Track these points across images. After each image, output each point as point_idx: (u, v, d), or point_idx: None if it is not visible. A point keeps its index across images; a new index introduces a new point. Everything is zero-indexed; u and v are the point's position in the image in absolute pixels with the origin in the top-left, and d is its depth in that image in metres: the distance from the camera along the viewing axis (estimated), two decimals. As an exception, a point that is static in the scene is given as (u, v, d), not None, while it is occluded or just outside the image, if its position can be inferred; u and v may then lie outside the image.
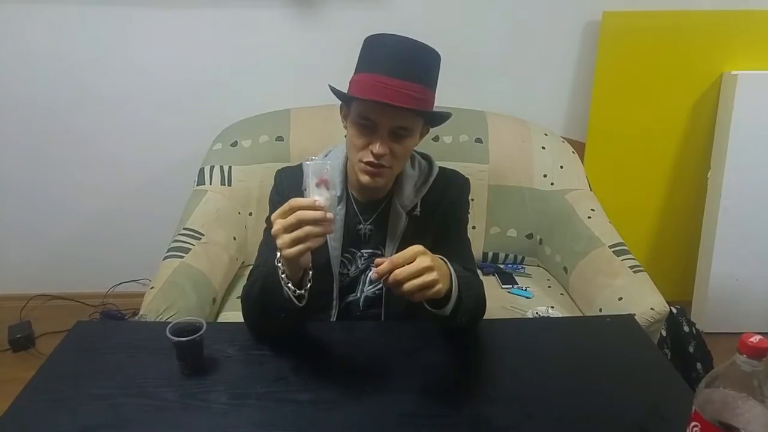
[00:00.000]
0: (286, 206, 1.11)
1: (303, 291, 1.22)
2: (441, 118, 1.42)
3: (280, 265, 1.19)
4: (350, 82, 1.38)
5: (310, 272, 1.23)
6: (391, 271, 1.11)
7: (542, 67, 2.68)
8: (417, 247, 1.14)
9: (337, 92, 1.41)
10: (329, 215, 1.11)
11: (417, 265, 1.11)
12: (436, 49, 1.37)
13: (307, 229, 1.09)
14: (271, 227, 1.47)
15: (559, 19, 2.59)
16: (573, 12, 2.58)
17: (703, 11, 2.53)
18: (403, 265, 1.11)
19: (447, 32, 2.52)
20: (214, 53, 2.58)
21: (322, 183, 1.14)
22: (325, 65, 2.43)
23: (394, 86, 1.29)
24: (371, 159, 1.35)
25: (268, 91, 2.59)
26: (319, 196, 1.13)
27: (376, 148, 1.33)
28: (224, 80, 2.62)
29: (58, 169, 2.74)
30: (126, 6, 2.47)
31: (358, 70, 1.37)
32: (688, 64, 2.61)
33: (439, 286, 1.14)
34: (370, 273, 1.45)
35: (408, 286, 1.11)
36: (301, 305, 1.23)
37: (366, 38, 1.38)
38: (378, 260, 1.14)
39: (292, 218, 1.10)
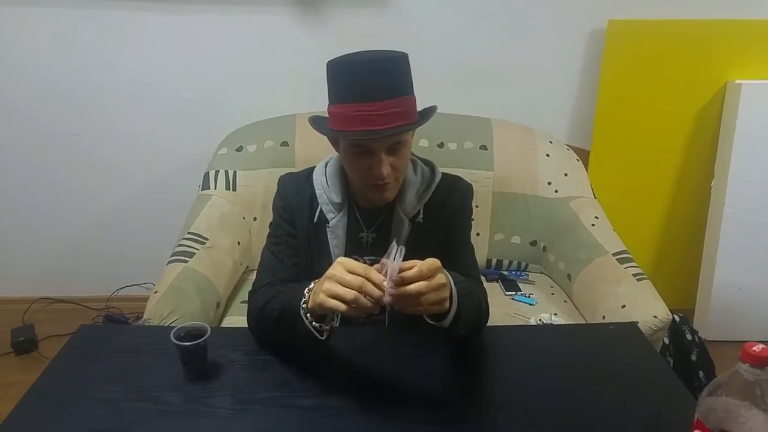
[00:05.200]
0: (361, 268, 1.09)
1: (327, 326, 1.20)
2: (429, 115, 1.40)
3: (306, 296, 1.16)
4: (329, 114, 1.35)
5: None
6: (411, 281, 1.08)
7: (547, 75, 2.68)
8: (436, 262, 1.12)
9: (321, 130, 1.38)
10: (386, 299, 1.08)
11: (437, 282, 1.10)
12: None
13: (359, 298, 1.07)
14: (275, 234, 1.49)
15: (565, 27, 2.60)
16: (578, 20, 2.58)
17: (708, 20, 2.53)
18: (426, 278, 1.09)
19: (452, 39, 2.55)
20: (219, 58, 2.59)
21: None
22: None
23: (378, 110, 1.26)
24: (377, 182, 1.34)
25: (274, 96, 2.60)
26: (389, 281, 1.07)
27: (379, 172, 1.31)
28: (230, 85, 2.62)
29: (63, 173, 2.75)
30: (130, 11, 2.48)
31: (333, 101, 1.33)
32: (693, 72, 2.61)
33: (446, 304, 1.14)
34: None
35: (425, 299, 1.09)
36: (323, 338, 1.21)
37: (327, 64, 1.33)
38: (406, 264, 1.09)
39: (357, 280, 1.07)
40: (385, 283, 1.07)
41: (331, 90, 1.33)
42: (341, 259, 1.12)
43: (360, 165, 1.34)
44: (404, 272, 1.08)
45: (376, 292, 1.07)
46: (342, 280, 1.09)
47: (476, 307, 1.33)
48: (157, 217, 2.78)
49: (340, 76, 1.31)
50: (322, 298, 1.10)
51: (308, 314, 1.18)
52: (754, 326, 2.75)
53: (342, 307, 1.08)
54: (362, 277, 1.08)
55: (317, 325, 1.19)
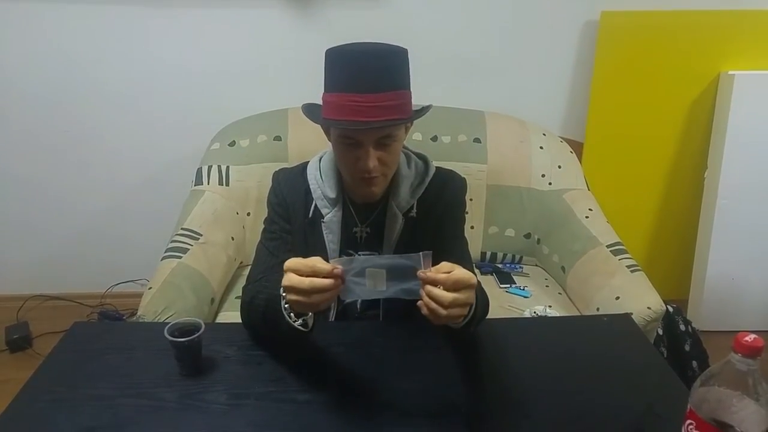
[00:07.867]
0: (306, 265, 1.09)
1: (306, 319, 1.20)
2: (422, 113, 1.40)
3: (284, 294, 1.17)
4: (323, 102, 1.34)
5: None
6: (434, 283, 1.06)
7: (541, 67, 2.68)
8: (471, 278, 1.08)
9: (312, 117, 1.38)
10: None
11: (464, 299, 1.07)
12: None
13: (316, 297, 1.08)
14: (270, 229, 1.48)
15: (558, 19, 2.60)
16: (571, 12, 2.58)
17: (701, 11, 2.53)
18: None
19: (445, 32, 2.54)
20: (212, 53, 2.58)
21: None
22: (323, 65, 2.44)
23: (369, 102, 1.25)
24: (363, 175, 1.33)
25: (266, 90, 2.59)
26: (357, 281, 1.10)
27: (365, 164, 1.30)
28: (222, 80, 2.62)
29: (57, 169, 2.74)
30: (125, 6, 2.47)
31: (327, 89, 1.33)
32: (686, 63, 2.61)
33: (461, 318, 1.12)
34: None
35: (449, 312, 1.06)
36: (307, 330, 1.21)
37: (326, 52, 1.32)
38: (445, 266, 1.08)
39: (306, 284, 1.07)
40: (334, 265, 1.09)
41: (327, 78, 1.33)
42: (287, 265, 1.11)
43: (348, 156, 1.34)
44: (439, 276, 1.06)
45: (326, 282, 1.08)
46: (294, 288, 1.09)
47: (486, 307, 1.35)
48: (150, 213, 2.77)
49: (336, 65, 1.31)
50: (294, 308, 1.15)
51: (291, 313, 1.19)
52: (747, 316, 2.77)
53: (314, 309, 1.13)
54: (309, 275, 1.08)
55: (300, 320, 1.19)
